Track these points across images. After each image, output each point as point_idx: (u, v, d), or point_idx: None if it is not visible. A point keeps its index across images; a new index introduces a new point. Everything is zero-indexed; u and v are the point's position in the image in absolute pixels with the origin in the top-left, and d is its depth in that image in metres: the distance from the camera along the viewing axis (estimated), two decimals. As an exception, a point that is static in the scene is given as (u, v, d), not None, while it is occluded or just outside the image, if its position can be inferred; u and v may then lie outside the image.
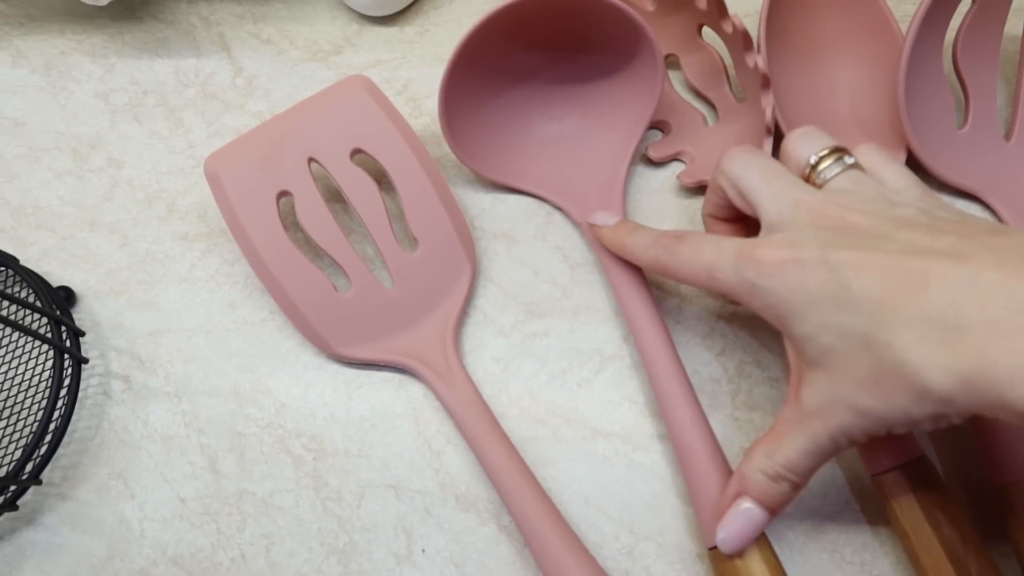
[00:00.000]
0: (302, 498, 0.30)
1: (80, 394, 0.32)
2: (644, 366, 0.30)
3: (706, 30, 0.35)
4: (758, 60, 0.30)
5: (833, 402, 0.22)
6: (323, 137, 0.31)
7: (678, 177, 0.35)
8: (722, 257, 0.25)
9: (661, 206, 0.35)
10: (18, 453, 0.31)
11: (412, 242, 0.32)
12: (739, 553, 0.26)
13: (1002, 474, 0.27)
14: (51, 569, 0.30)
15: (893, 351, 0.21)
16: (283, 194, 0.31)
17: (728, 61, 0.35)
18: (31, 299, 0.33)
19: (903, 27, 0.34)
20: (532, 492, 0.28)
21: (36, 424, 0.31)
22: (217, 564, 0.29)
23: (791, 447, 0.24)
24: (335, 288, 0.31)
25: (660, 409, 0.29)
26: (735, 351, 0.31)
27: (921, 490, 0.26)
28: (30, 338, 0.33)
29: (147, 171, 0.37)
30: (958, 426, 0.29)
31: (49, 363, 0.33)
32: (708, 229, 0.30)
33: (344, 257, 0.31)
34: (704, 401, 0.30)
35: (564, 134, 0.35)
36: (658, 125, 0.36)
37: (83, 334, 0.33)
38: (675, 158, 0.35)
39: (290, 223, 0.31)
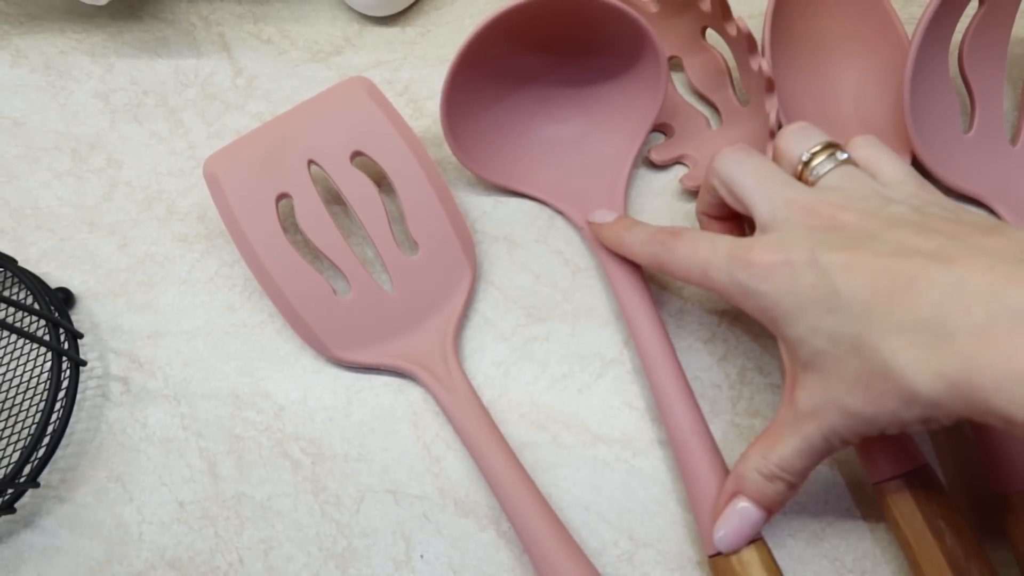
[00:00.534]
0: (301, 502, 0.30)
1: (78, 396, 0.32)
2: (645, 371, 0.30)
3: (710, 32, 0.35)
4: (762, 63, 0.30)
5: (825, 404, 0.23)
6: (323, 139, 0.31)
7: (680, 180, 0.35)
8: (716, 257, 0.25)
9: (663, 209, 0.34)
10: (16, 456, 0.31)
11: (412, 245, 0.32)
12: (735, 551, 0.26)
13: (1005, 483, 0.27)
14: (49, 572, 0.30)
15: (881, 355, 0.21)
16: (282, 196, 0.31)
17: (732, 64, 0.35)
18: (29, 301, 0.33)
19: (909, 30, 0.34)
20: (531, 498, 0.28)
21: (34, 426, 0.31)
22: (215, 568, 0.29)
23: (786, 447, 0.24)
24: (334, 291, 0.31)
25: (661, 415, 0.29)
26: (737, 357, 0.31)
27: (923, 499, 0.26)
28: (28, 340, 0.33)
29: (147, 172, 0.37)
30: (961, 435, 0.29)
31: (47, 365, 0.32)
32: (702, 227, 0.30)
33: (343, 260, 0.31)
34: (705, 407, 0.30)
35: (566, 137, 0.35)
36: (661, 128, 0.36)
37: (81, 336, 0.33)
38: (678, 161, 0.35)
39: (289, 225, 0.31)
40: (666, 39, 0.35)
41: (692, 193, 0.34)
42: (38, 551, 0.30)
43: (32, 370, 0.33)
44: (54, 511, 0.31)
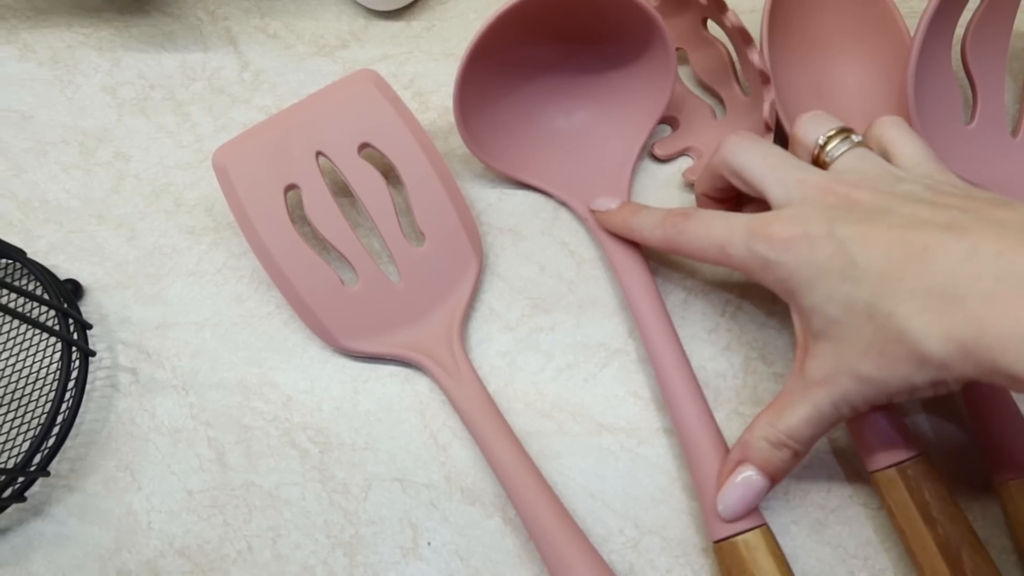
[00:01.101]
0: (308, 491, 0.30)
1: (88, 387, 0.32)
2: (650, 361, 0.30)
3: (714, 26, 0.35)
4: (755, 57, 0.30)
5: (837, 371, 0.23)
6: (331, 131, 0.31)
7: (684, 174, 0.35)
8: (734, 233, 0.26)
9: (667, 201, 0.35)
10: (26, 445, 0.31)
11: (419, 236, 0.32)
12: (739, 519, 0.26)
13: (1003, 472, 0.27)
14: (59, 560, 0.30)
15: (895, 320, 0.21)
16: (290, 187, 0.31)
17: (735, 56, 0.35)
18: (39, 292, 0.33)
19: (909, 23, 0.34)
20: (537, 486, 0.28)
21: (44, 416, 0.31)
22: (224, 556, 0.30)
23: (794, 415, 0.24)
24: (342, 282, 0.31)
25: (665, 403, 0.30)
26: (741, 346, 0.32)
27: (917, 488, 0.26)
28: (38, 331, 0.33)
29: (154, 165, 0.37)
30: (960, 425, 0.30)
31: (57, 356, 0.33)
32: (701, 207, 0.31)
33: (351, 251, 0.31)
34: (709, 396, 0.30)
35: (574, 129, 0.35)
36: (667, 120, 0.36)
37: (90, 327, 0.33)
38: (682, 154, 0.35)
39: (297, 216, 0.32)
40: (670, 31, 0.36)
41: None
42: (48, 539, 0.30)
43: (42, 361, 0.33)
44: (64, 500, 0.31)
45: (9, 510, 0.30)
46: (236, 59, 0.39)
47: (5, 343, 0.33)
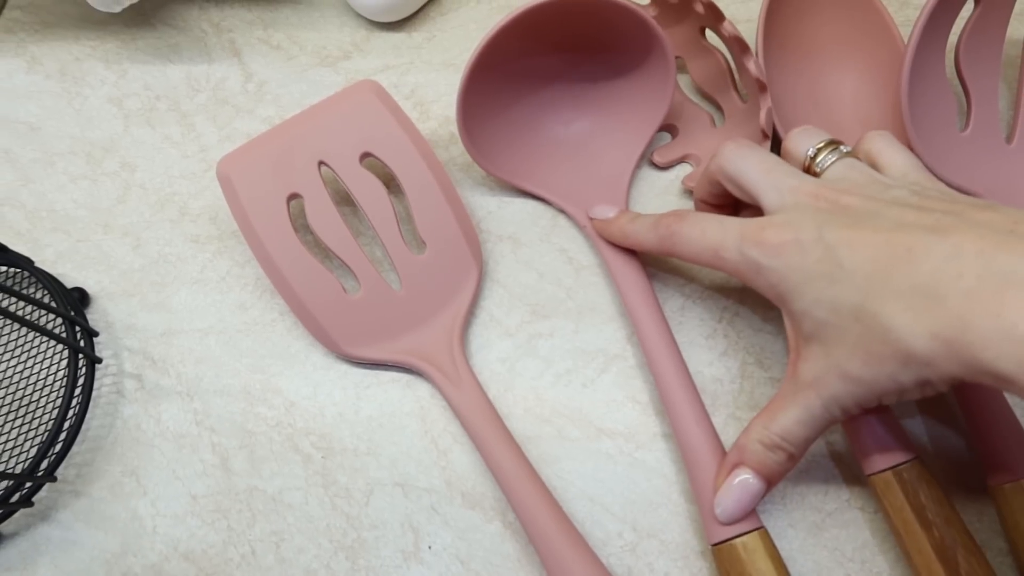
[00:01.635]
0: (311, 495, 0.31)
1: (94, 393, 0.33)
2: (648, 366, 0.31)
3: (712, 35, 0.36)
4: (751, 65, 0.31)
5: (827, 372, 0.24)
6: (333, 141, 0.32)
7: (683, 181, 0.35)
8: (728, 238, 0.26)
9: (665, 208, 0.35)
10: (33, 451, 0.32)
11: (420, 244, 0.33)
12: (736, 522, 0.26)
13: (997, 476, 0.27)
14: (65, 564, 0.30)
15: (881, 320, 0.22)
16: (293, 196, 0.32)
17: (733, 64, 0.36)
18: (46, 300, 0.34)
19: (903, 32, 0.34)
20: (536, 490, 0.28)
21: (51, 422, 0.32)
22: (228, 560, 0.30)
23: (787, 417, 0.25)
24: (344, 289, 0.32)
25: (664, 408, 0.30)
26: (737, 352, 0.32)
27: (912, 491, 0.26)
28: (45, 338, 0.34)
29: (159, 175, 0.38)
30: (955, 428, 0.30)
31: (64, 363, 0.33)
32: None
33: (353, 259, 0.32)
34: (706, 401, 0.30)
35: (574, 138, 0.35)
36: (666, 128, 0.36)
37: (97, 334, 0.34)
38: (681, 161, 0.36)
39: (300, 225, 0.32)
40: (669, 41, 0.36)
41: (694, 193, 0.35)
42: (55, 544, 0.31)
43: (49, 368, 0.33)
44: (70, 505, 0.31)
45: (16, 515, 0.31)
46: (240, 70, 0.40)
47: (13, 351, 0.34)
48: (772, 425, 0.25)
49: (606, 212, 0.33)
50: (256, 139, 0.33)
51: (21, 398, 0.33)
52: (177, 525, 0.31)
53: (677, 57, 0.37)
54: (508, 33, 0.30)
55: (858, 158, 0.27)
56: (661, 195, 0.35)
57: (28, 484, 0.30)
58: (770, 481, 0.26)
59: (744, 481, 0.26)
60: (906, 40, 0.31)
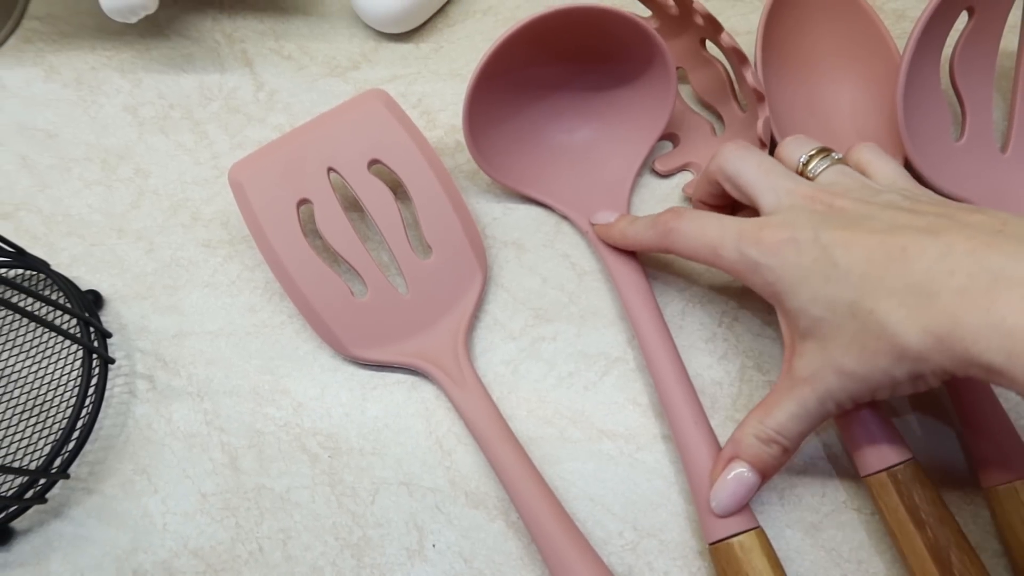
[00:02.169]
0: (318, 494, 0.31)
1: (106, 393, 0.34)
2: (648, 369, 0.31)
3: (712, 46, 0.37)
4: (749, 76, 0.31)
5: (822, 367, 0.24)
6: (342, 148, 0.33)
7: (684, 188, 0.36)
8: (726, 236, 0.27)
9: (666, 216, 0.36)
10: (47, 448, 0.32)
11: (426, 249, 0.34)
12: (731, 515, 0.27)
13: (991, 477, 0.28)
14: (78, 560, 0.31)
15: (875, 316, 0.23)
16: (303, 202, 0.33)
17: (733, 75, 0.37)
18: (62, 301, 0.35)
19: (900, 44, 0.35)
20: (539, 490, 0.29)
21: (65, 421, 0.32)
22: (236, 556, 0.31)
23: (782, 411, 0.26)
24: (352, 293, 0.33)
25: (663, 410, 0.30)
26: (736, 355, 0.32)
27: (907, 492, 0.27)
28: (60, 339, 0.35)
29: (172, 181, 0.38)
30: (949, 429, 0.30)
31: (78, 363, 0.34)
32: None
33: (361, 263, 0.33)
34: (706, 403, 0.31)
35: (576, 145, 0.36)
36: (668, 137, 0.37)
37: (110, 335, 0.34)
38: (682, 169, 0.37)
39: (309, 230, 0.33)
40: (670, 51, 0.37)
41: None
42: (67, 540, 0.31)
43: (63, 368, 0.34)
44: (83, 502, 0.32)
45: (30, 511, 0.32)
46: (252, 80, 0.41)
47: (28, 351, 0.35)
48: (767, 420, 0.26)
49: (607, 217, 0.33)
50: (267, 146, 0.33)
51: (35, 397, 0.34)
52: (187, 522, 0.31)
53: (678, 68, 0.38)
54: (513, 43, 0.31)
55: (847, 164, 0.28)
56: (662, 202, 0.36)
57: (42, 481, 0.31)
58: (765, 474, 0.27)
59: (739, 475, 0.27)
60: (902, 52, 0.31)
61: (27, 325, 0.35)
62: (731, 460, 0.27)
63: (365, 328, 0.33)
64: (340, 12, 0.42)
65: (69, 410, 0.33)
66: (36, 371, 0.34)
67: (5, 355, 0.35)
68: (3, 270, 0.36)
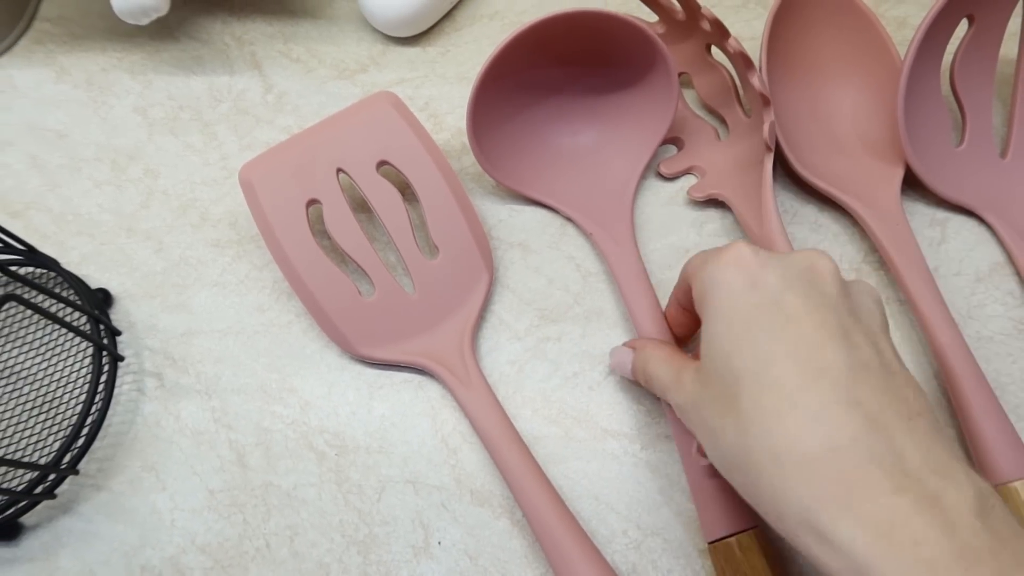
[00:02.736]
0: (325, 491, 0.32)
1: (116, 390, 0.34)
2: (652, 369, 0.32)
3: (717, 52, 0.37)
4: (755, 81, 0.32)
5: (696, 410, 0.25)
6: (351, 149, 0.33)
7: (688, 192, 0.36)
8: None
9: (670, 219, 0.36)
10: (57, 444, 0.33)
11: (433, 250, 0.34)
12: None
13: (991, 477, 0.28)
14: (86, 555, 0.31)
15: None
16: (312, 202, 0.33)
17: (738, 80, 0.37)
18: (72, 299, 0.35)
19: (902, 50, 0.35)
20: (543, 489, 0.29)
21: (74, 417, 0.33)
22: (243, 553, 0.31)
23: (662, 374, 0.27)
24: (359, 292, 0.33)
25: (664, 410, 0.31)
26: (740, 357, 0.33)
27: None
28: (70, 336, 0.35)
29: (182, 181, 0.39)
30: (949, 430, 0.30)
31: (87, 360, 0.34)
32: (670, 312, 0.31)
33: (369, 263, 0.33)
34: (709, 403, 0.31)
35: (580, 148, 0.37)
36: (671, 141, 0.37)
37: (120, 333, 0.35)
38: (686, 172, 0.37)
39: (318, 230, 0.33)
40: (675, 57, 0.37)
41: (698, 203, 0.36)
42: (76, 535, 0.32)
43: (73, 365, 0.34)
44: (92, 498, 0.32)
45: (39, 507, 0.32)
46: (261, 82, 0.41)
47: (39, 348, 0.35)
48: (651, 366, 0.28)
49: (623, 356, 0.31)
50: (277, 147, 0.34)
51: (45, 394, 0.34)
52: (194, 519, 0.32)
53: (683, 72, 0.38)
54: (517, 47, 0.32)
55: None
56: (667, 205, 0.36)
57: (51, 476, 0.31)
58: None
59: (622, 361, 0.31)
60: (903, 59, 0.32)
61: (38, 323, 0.36)
62: (630, 349, 0.30)
63: (372, 327, 0.33)
64: (348, 16, 0.43)
65: (79, 407, 0.33)
66: (46, 368, 0.35)
67: (16, 352, 0.35)
68: (14, 267, 0.36)
